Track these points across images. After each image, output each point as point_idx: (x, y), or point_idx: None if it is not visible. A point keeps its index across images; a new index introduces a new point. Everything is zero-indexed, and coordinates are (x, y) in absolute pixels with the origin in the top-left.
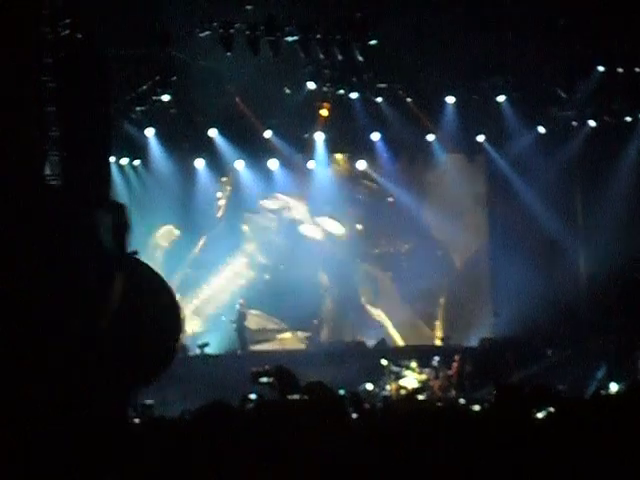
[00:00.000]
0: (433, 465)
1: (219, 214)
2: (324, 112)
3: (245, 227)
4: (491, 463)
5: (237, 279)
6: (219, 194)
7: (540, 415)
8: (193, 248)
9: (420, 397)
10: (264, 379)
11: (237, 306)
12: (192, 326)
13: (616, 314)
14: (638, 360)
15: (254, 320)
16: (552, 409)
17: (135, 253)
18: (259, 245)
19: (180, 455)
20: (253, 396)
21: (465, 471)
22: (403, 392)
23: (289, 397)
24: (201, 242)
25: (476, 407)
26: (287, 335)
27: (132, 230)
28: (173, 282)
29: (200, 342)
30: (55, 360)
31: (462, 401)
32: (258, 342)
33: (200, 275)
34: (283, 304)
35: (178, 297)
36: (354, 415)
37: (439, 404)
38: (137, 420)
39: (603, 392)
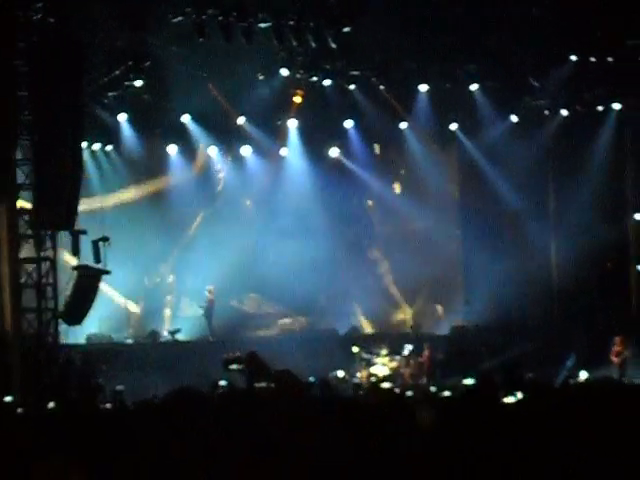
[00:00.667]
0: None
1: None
2: (297, 99)
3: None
4: (460, 449)
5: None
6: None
7: (508, 400)
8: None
9: (386, 385)
10: (234, 366)
11: (205, 293)
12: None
13: (588, 302)
14: (609, 348)
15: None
16: (520, 395)
17: (106, 239)
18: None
19: (148, 439)
20: (223, 382)
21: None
22: (374, 379)
23: (257, 385)
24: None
25: (446, 393)
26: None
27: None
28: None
29: (171, 328)
30: None
31: (433, 389)
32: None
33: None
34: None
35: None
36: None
37: (409, 392)
38: (108, 405)
39: (572, 381)
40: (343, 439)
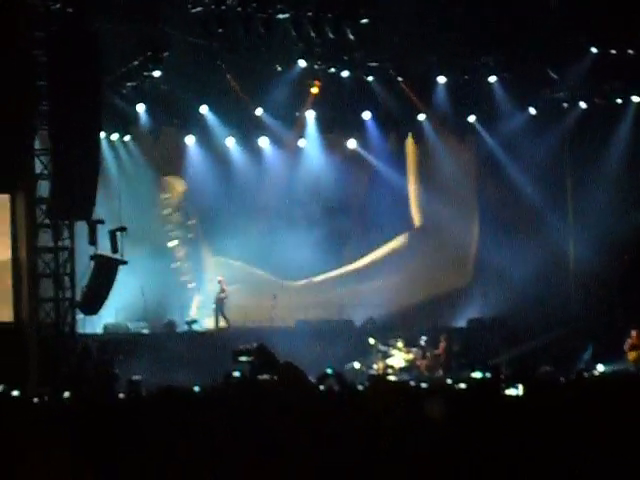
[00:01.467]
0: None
1: None
2: (315, 90)
3: None
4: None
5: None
6: None
7: (510, 392)
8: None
9: (393, 378)
10: (244, 357)
11: (217, 284)
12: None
13: (606, 295)
14: (625, 342)
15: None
16: (521, 388)
17: (124, 229)
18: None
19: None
20: (237, 374)
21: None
22: (390, 371)
23: (260, 377)
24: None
25: (462, 385)
26: None
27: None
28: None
29: (189, 319)
30: None
31: (449, 381)
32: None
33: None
34: None
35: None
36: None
37: (424, 384)
38: (121, 395)
39: (587, 374)
40: (344, 432)
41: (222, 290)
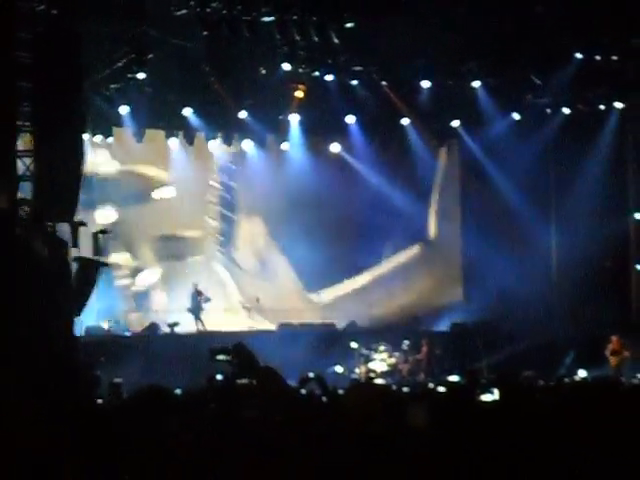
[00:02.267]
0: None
1: None
2: (299, 94)
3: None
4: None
5: None
6: None
7: (485, 398)
8: None
9: (378, 381)
10: (222, 356)
11: (192, 287)
12: None
13: (588, 300)
14: (605, 347)
15: None
16: (497, 393)
17: (105, 232)
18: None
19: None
20: (220, 377)
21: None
22: (372, 375)
23: (238, 381)
24: None
25: (441, 389)
26: None
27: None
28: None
29: (170, 321)
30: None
31: (431, 385)
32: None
33: None
34: None
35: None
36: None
37: (405, 388)
38: (100, 400)
39: (567, 379)
40: (325, 436)
41: (199, 293)
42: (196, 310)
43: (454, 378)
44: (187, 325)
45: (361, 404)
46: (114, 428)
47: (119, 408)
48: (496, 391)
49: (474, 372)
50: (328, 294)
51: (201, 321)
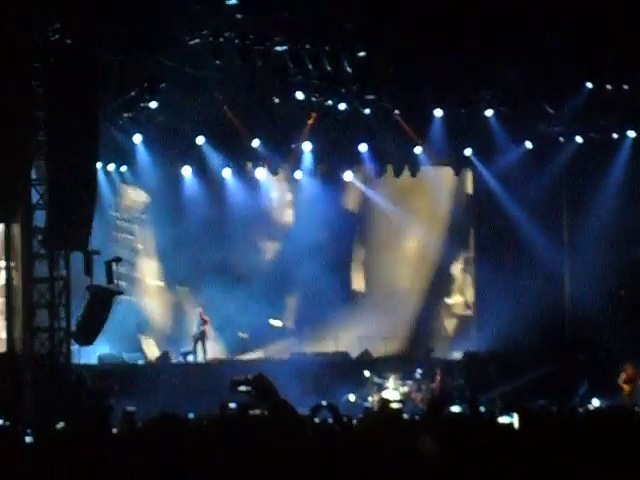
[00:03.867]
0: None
1: None
2: (310, 122)
3: None
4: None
5: None
6: None
7: (503, 420)
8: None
9: (396, 406)
10: (242, 388)
11: (198, 313)
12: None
13: (602, 329)
14: (619, 376)
15: None
16: (516, 417)
17: (119, 260)
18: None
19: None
20: (233, 405)
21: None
22: (393, 406)
23: (250, 412)
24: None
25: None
26: None
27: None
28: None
29: (184, 350)
30: None
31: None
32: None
33: None
34: None
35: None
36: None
37: (417, 417)
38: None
39: (581, 409)
40: (338, 465)
41: (204, 322)
42: (201, 337)
43: (456, 409)
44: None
45: (374, 432)
46: (128, 455)
47: (132, 436)
48: (515, 415)
49: (475, 401)
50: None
51: (204, 349)
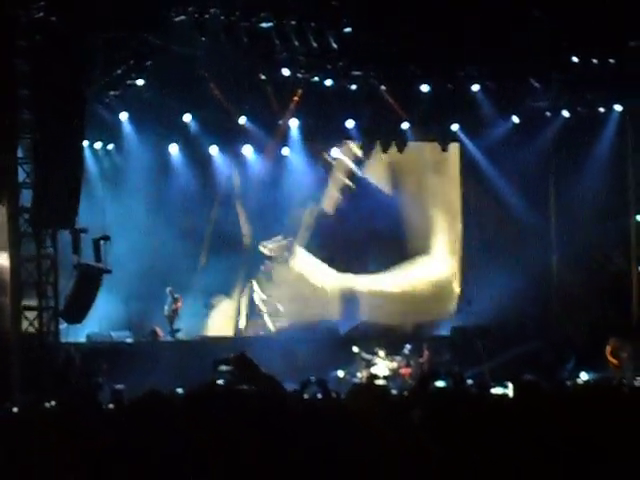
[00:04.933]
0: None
1: None
2: (295, 99)
3: None
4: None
5: None
6: None
7: (496, 391)
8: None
9: (381, 382)
10: (224, 367)
11: (167, 292)
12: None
13: (589, 303)
14: (605, 350)
15: None
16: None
17: (107, 238)
18: None
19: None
20: (221, 382)
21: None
22: (379, 381)
23: (238, 387)
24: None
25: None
26: None
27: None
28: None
29: (172, 327)
30: None
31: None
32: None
33: None
34: None
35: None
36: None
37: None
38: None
39: (569, 382)
40: (328, 440)
41: (175, 300)
42: (170, 315)
43: (440, 383)
44: (189, 331)
45: (362, 406)
46: (116, 432)
47: (120, 412)
48: (510, 385)
49: (460, 376)
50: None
51: (173, 329)
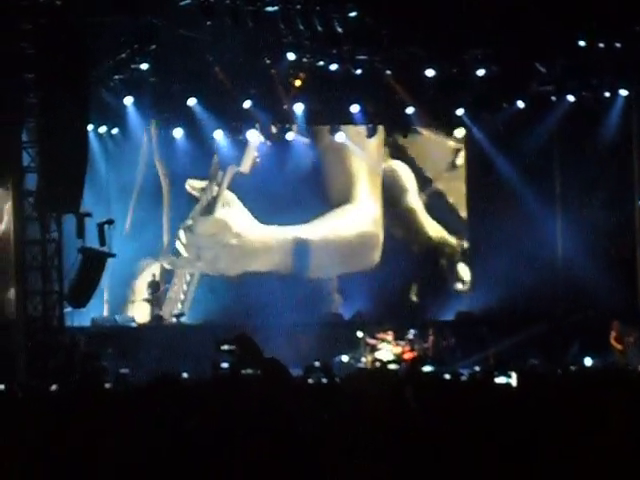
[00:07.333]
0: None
1: None
2: (298, 83)
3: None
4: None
5: None
6: None
7: (499, 380)
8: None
9: (393, 367)
10: (225, 347)
11: (151, 277)
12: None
13: (594, 288)
14: (610, 335)
15: None
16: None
17: (111, 222)
18: None
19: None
20: (225, 365)
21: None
22: (378, 364)
23: (243, 371)
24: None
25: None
26: None
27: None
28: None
29: (176, 311)
30: None
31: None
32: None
33: None
34: None
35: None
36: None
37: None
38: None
39: (574, 367)
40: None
41: (157, 283)
42: (154, 299)
43: (427, 368)
44: (193, 315)
45: (362, 388)
46: (121, 412)
47: (126, 396)
48: (514, 375)
49: (442, 363)
50: None
51: (157, 311)
